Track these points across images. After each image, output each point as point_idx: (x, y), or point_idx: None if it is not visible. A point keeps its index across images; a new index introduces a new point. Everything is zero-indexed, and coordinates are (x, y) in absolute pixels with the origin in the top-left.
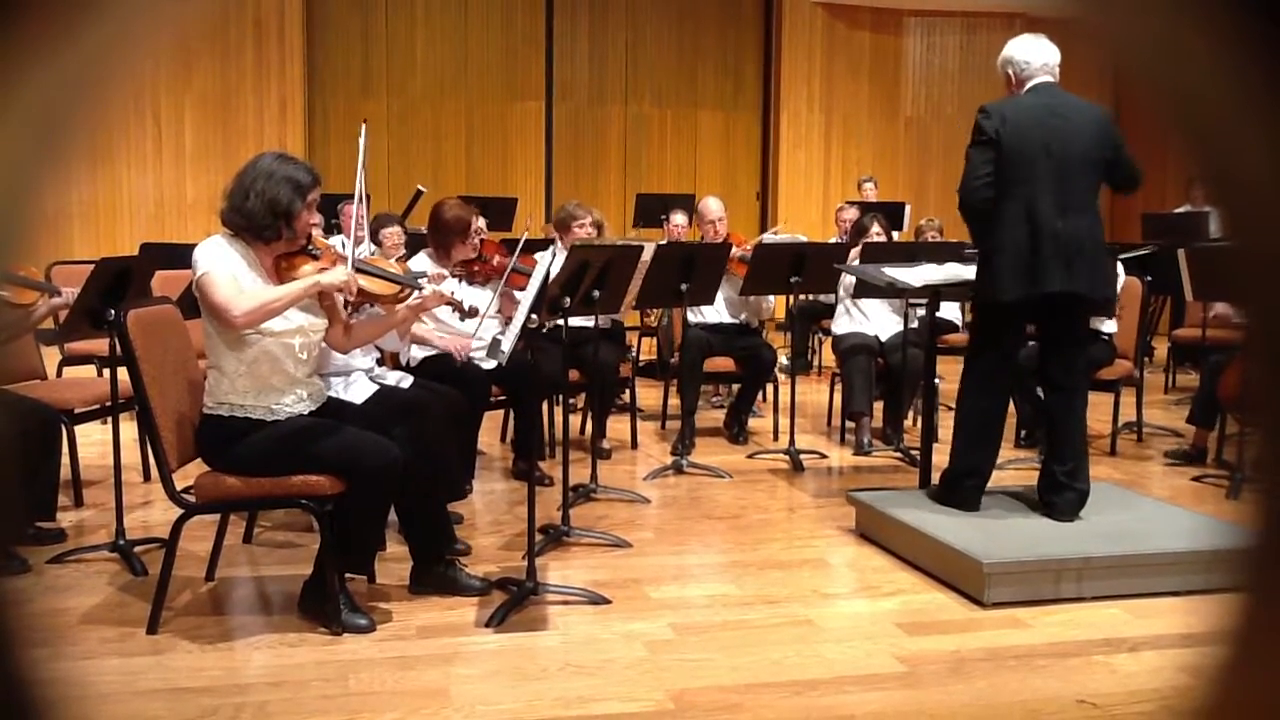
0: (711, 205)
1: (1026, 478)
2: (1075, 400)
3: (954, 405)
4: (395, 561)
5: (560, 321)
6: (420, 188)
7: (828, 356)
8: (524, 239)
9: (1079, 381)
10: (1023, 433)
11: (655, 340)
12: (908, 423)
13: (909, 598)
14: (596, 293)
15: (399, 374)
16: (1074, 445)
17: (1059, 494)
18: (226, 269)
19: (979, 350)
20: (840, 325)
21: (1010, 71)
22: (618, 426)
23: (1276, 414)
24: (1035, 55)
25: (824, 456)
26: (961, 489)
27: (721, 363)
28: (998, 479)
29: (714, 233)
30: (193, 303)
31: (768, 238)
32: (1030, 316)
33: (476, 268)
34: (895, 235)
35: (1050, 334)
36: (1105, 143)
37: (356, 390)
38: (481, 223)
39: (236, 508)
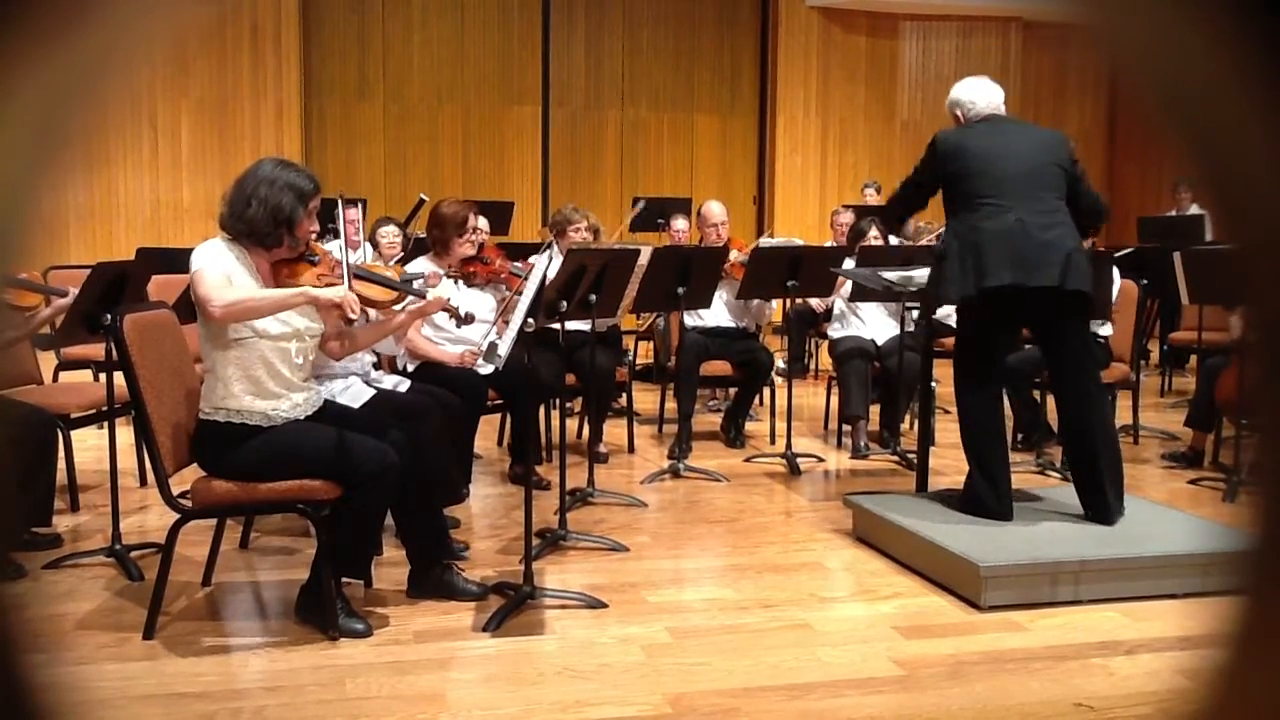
0: (714, 209)
1: (1023, 480)
2: (1095, 411)
3: (949, 411)
4: (392, 566)
5: (555, 325)
6: (422, 196)
7: (824, 360)
8: (553, 252)
9: (1090, 389)
10: (1019, 435)
11: (652, 344)
12: (904, 426)
13: (906, 601)
14: (593, 297)
15: (396, 378)
16: (1109, 456)
17: (1102, 498)
18: (221, 268)
19: (958, 353)
20: (837, 329)
21: (958, 112)
22: (614, 430)
23: (1274, 417)
24: (980, 95)
25: (821, 460)
26: (982, 499)
27: (718, 366)
28: None
29: (716, 236)
30: (189, 307)
31: (764, 242)
32: (1009, 317)
33: (475, 269)
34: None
35: (1040, 339)
36: (1062, 156)
37: (353, 394)
38: (484, 223)
39: (233, 513)
